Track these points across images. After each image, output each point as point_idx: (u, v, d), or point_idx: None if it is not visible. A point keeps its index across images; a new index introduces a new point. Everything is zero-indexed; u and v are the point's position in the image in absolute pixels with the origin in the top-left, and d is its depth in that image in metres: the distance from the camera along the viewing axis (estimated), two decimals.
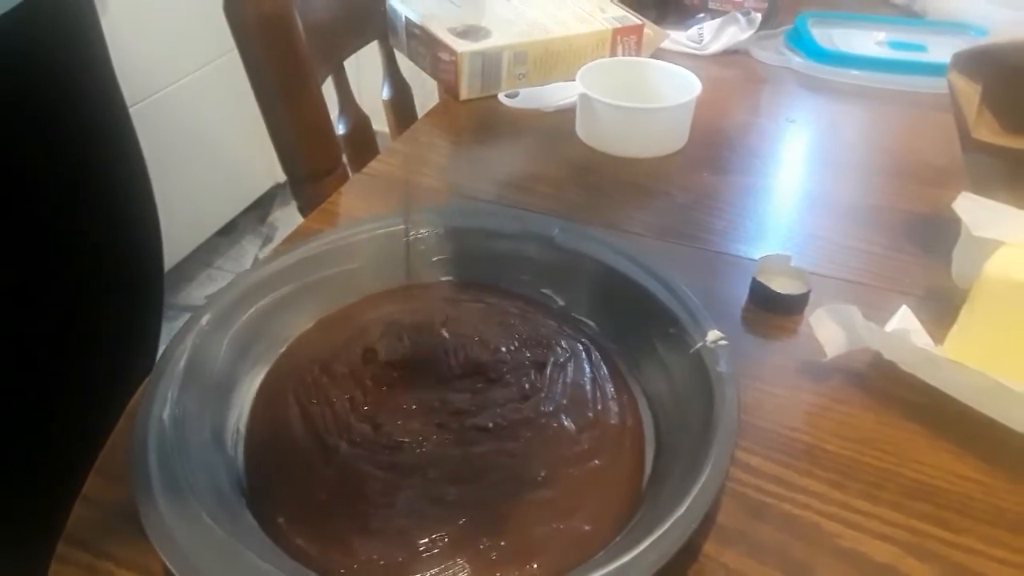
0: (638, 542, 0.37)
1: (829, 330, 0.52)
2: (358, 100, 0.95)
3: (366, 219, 0.58)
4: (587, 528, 0.42)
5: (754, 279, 0.59)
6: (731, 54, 0.98)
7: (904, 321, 0.54)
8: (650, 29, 0.94)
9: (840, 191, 0.74)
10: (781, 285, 0.58)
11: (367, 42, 0.98)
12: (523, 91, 0.83)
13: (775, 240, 0.68)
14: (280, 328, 0.53)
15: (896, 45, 1.00)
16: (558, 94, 0.83)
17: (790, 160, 0.82)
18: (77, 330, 0.66)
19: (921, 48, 0.98)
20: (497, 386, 0.50)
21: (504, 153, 0.81)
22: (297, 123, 0.80)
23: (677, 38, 0.99)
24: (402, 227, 0.57)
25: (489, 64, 0.84)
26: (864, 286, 0.61)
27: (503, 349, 0.52)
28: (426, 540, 0.41)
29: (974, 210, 0.54)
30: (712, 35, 0.98)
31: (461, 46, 0.83)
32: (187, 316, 0.49)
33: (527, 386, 0.50)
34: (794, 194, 0.76)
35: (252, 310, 0.51)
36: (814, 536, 0.43)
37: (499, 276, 0.58)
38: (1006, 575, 0.42)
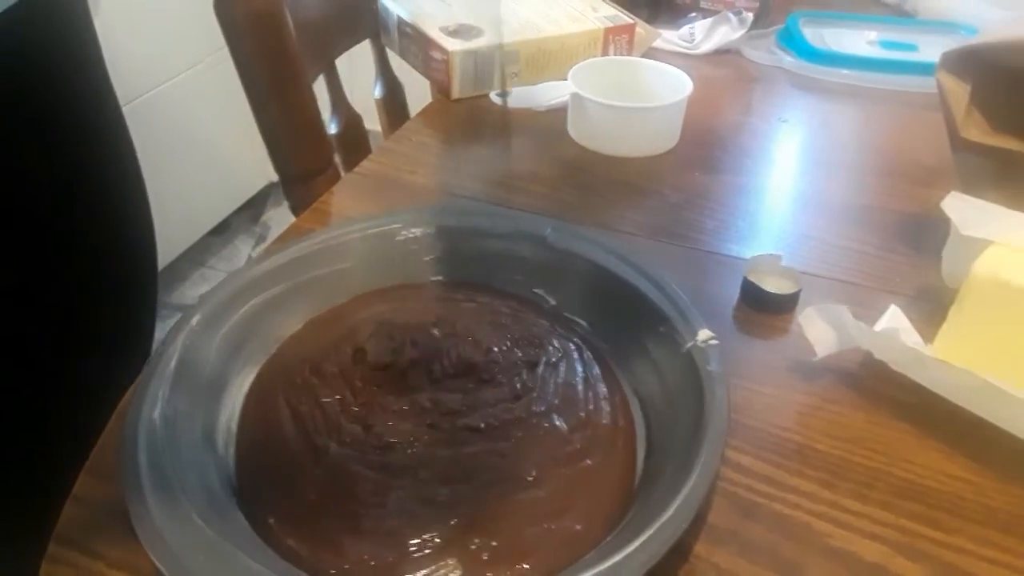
0: (629, 542, 0.37)
1: (819, 329, 0.52)
2: (350, 99, 0.95)
3: (358, 218, 0.58)
4: (578, 528, 0.42)
5: (745, 278, 0.59)
6: (723, 53, 0.99)
7: (894, 320, 0.54)
8: (642, 28, 0.94)
9: (831, 191, 0.75)
10: (772, 284, 0.58)
11: (359, 40, 0.98)
12: (515, 90, 0.83)
13: (766, 240, 0.68)
14: (271, 328, 0.53)
15: (887, 45, 1.00)
16: (550, 93, 0.83)
17: (781, 160, 0.82)
18: (71, 329, 0.66)
19: (912, 48, 0.98)
20: (489, 386, 0.50)
21: (496, 152, 0.81)
22: (288, 122, 0.80)
23: (669, 37, 0.99)
24: (394, 226, 0.57)
25: (481, 63, 0.84)
26: (855, 285, 0.62)
27: (495, 349, 0.52)
28: (417, 540, 0.41)
29: (963, 210, 0.54)
30: (704, 34, 0.98)
31: (453, 45, 0.83)
32: (180, 315, 0.49)
33: (519, 386, 0.50)
34: (785, 194, 0.76)
35: (243, 310, 0.51)
36: (804, 536, 0.43)
37: (491, 276, 0.58)
38: (996, 574, 0.42)
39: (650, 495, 0.43)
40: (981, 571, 0.42)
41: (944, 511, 0.45)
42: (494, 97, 0.83)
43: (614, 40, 0.90)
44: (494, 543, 0.41)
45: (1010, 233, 0.51)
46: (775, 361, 0.54)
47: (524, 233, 0.58)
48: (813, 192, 0.75)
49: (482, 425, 0.47)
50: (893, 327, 0.53)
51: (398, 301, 0.56)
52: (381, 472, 0.44)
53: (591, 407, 0.49)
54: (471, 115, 0.85)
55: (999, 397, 0.46)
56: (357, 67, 1.06)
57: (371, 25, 0.96)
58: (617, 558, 0.37)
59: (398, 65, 0.99)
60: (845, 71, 0.94)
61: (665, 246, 0.66)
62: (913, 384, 0.51)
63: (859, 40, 1.01)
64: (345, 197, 0.71)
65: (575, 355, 0.52)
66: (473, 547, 0.41)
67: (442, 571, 0.40)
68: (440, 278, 0.58)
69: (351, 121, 0.94)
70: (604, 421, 0.48)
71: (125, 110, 0.72)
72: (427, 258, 0.58)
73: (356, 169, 0.75)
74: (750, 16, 0.99)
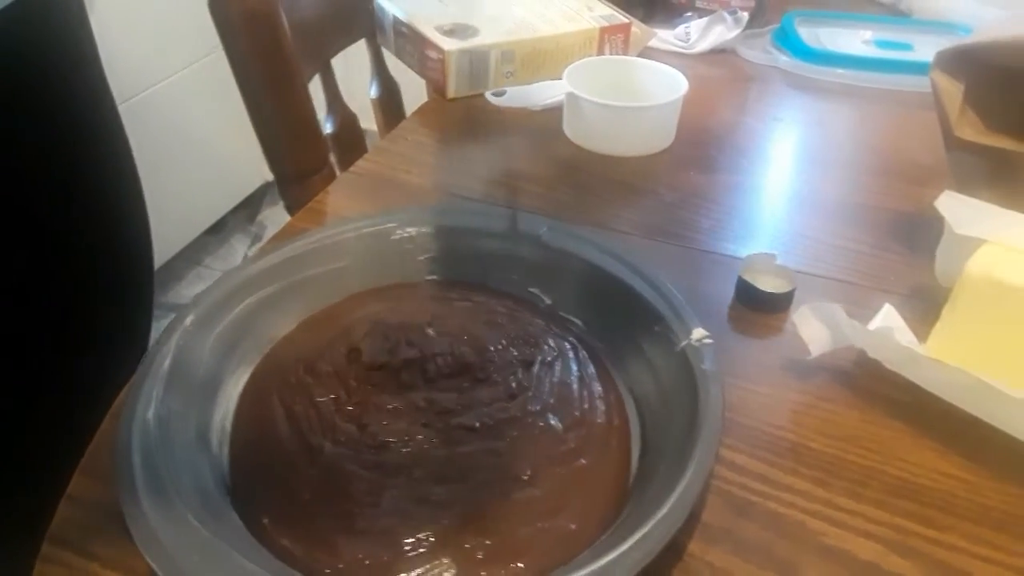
0: (623, 540, 0.37)
1: (813, 328, 0.52)
2: (346, 98, 0.95)
3: (353, 218, 0.58)
4: (573, 527, 0.42)
5: (740, 277, 0.59)
6: (718, 53, 0.99)
7: (888, 319, 0.54)
8: (637, 28, 0.94)
9: (826, 190, 0.75)
10: (767, 283, 0.58)
11: (354, 40, 0.98)
12: (510, 90, 0.83)
13: (761, 239, 0.68)
14: (265, 327, 0.53)
15: (882, 44, 1.00)
16: (545, 93, 0.83)
17: (777, 159, 0.82)
18: (67, 328, 0.66)
19: (907, 47, 0.99)
20: (484, 385, 0.50)
21: (491, 152, 0.81)
22: (283, 121, 0.80)
23: (664, 37, 0.99)
24: (390, 226, 0.57)
25: (477, 62, 0.84)
26: (850, 284, 0.62)
27: (490, 348, 0.52)
28: (411, 540, 0.41)
29: (957, 208, 0.54)
30: (699, 34, 0.98)
31: (448, 44, 0.83)
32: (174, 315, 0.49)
33: (514, 385, 0.50)
34: (780, 193, 0.76)
35: (237, 310, 0.51)
36: (799, 534, 0.43)
37: (486, 275, 0.58)
38: (989, 572, 0.42)
39: (644, 494, 0.43)
40: (974, 569, 0.42)
41: (937, 509, 0.45)
42: (490, 97, 0.83)
43: (610, 39, 0.91)
44: (488, 542, 0.41)
45: (1003, 232, 0.51)
46: (770, 360, 0.55)
47: (519, 232, 0.58)
48: (808, 191, 0.75)
49: (477, 424, 0.47)
50: (887, 326, 0.53)
51: (393, 300, 0.56)
52: (375, 471, 0.44)
53: (586, 406, 0.49)
54: (467, 114, 0.85)
55: (993, 396, 0.46)
56: (353, 66, 1.06)
57: (367, 24, 0.96)
58: (611, 556, 0.37)
59: (394, 64, 0.99)
60: (840, 70, 0.94)
61: (660, 245, 0.66)
62: (907, 383, 0.51)
63: (854, 39, 1.01)
64: (340, 196, 0.71)
65: (570, 354, 0.52)
66: (467, 546, 0.41)
67: (436, 570, 0.40)
68: (435, 277, 0.58)
69: (347, 120, 0.94)
70: (599, 420, 0.48)
71: (121, 109, 0.72)
72: (422, 257, 0.58)
73: (351, 168, 0.75)
74: (745, 15, 0.99)
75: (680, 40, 0.99)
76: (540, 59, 0.87)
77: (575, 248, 0.56)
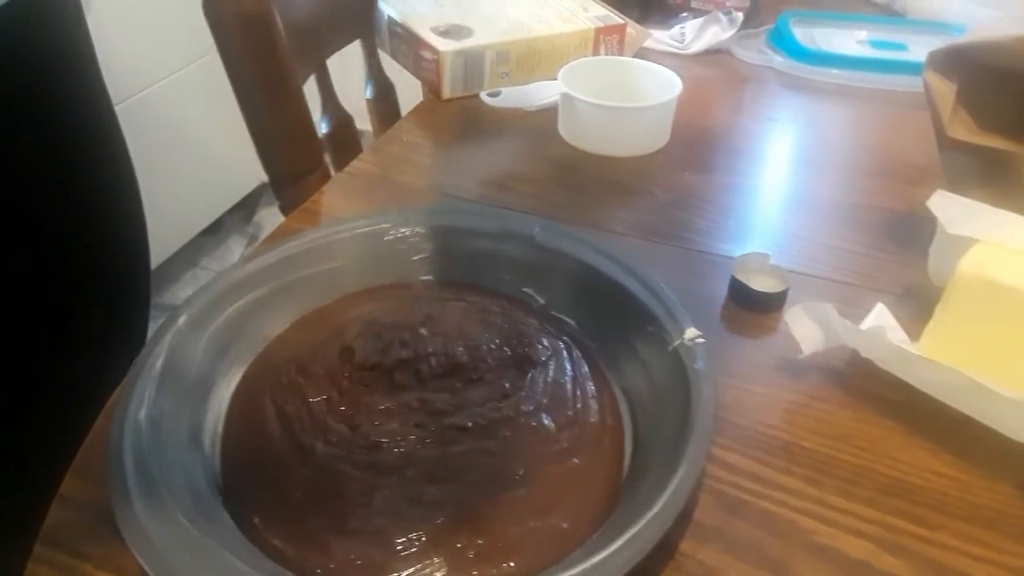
0: (614, 539, 0.37)
1: (805, 328, 0.52)
2: (341, 99, 0.95)
3: (347, 218, 0.58)
4: (565, 526, 0.42)
5: (733, 277, 0.59)
6: (713, 53, 0.99)
7: (880, 319, 0.54)
8: (632, 28, 0.94)
9: (821, 190, 0.75)
10: (760, 283, 0.58)
11: (349, 41, 0.98)
12: (505, 90, 0.83)
13: (756, 239, 0.68)
14: (259, 328, 0.53)
15: (877, 44, 1.00)
16: (540, 93, 0.83)
17: (771, 159, 0.82)
18: (63, 328, 0.66)
19: (902, 47, 0.99)
20: (477, 385, 0.50)
21: (486, 152, 0.81)
22: (277, 122, 0.80)
23: (659, 37, 0.99)
24: (384, 226, 0.57)
25: (472, 63, 0.85)
26: (843, 284, 0.62)
27: (483, 348, 0.52)
28: (403, 539, 0.41)
29: (949, 208, 0.54)
30: (694, 34, 0.98)
31: (443, 45, 0.83)
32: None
33: (507, 385, 0.50)
34: (775, 193, 0.76)
35: (230, 310, 0.51)
36: (790, 533, 0.43)
37: (480, 275, 0.58)
38: (980, 571, 0.42)
39: (636, 492, 0.43)
40: (965, 567, 0.42)
41: (929, 508, 0.45)
42: (485, 97, 0.83)
43: (605, 40, 0.91)
44: (480, 541, 0.41)
45: (995, 231, 0.51)
46: (762, 359, 0.55)
47: (513, 232, 0.58)
48: (802, 191, 0.75)
49: (469, 424, 0.47)
50: (879, 325, 0.53)
51: (387, 300, 0.56)
52: (368, 471, 0.44)
53: (579, 406, 0.49)
54: (462, 115, 0.85)
55: (984, 395, 0.46)
56: (348, 67, 1.06)
57: (362, 25, 0.96)
58: (603, 555, 0.37)
59: (389, 65, 0.99)
60: (835, 71, 0.94)
61: (655, 245, 0.66)
62: (899, 382, 0.51)
63: (849, 40, 1.01)
64: (335, 197, 0.71)
65: (564, 354, 0.52)
66: (459, 546, 0.41)
67: (428, 570, 0.40)
68: (429, 277, 0.59)
69: (342, 121, 0.94)
70: (592, 419, 0.48)
71: (118, 109, 0.72)
72: (416, 257, 0.58)
73: (346, 169, 0.75)
74: (740, 16, 0.99)
75: (675, 40, 0.99)
76: (535, 60, 0.87)
77: (569, 248, 0.56)
